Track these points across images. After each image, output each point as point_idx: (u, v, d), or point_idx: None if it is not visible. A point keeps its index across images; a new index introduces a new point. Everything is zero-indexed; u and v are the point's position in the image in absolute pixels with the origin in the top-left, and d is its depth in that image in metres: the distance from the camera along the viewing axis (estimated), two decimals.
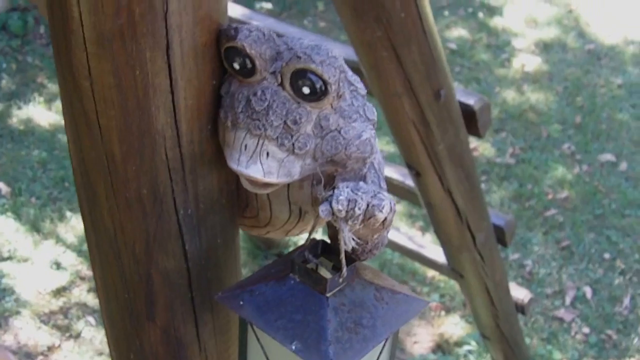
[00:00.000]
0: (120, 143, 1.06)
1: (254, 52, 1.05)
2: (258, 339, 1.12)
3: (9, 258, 4.09)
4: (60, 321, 3.78)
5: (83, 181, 1.15)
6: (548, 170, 4.89)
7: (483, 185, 4.71)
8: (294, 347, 1.01)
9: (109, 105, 1.03)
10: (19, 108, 5.23)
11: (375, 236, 1.12)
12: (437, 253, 3.17)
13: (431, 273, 4.13)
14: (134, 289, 1.19)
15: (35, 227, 4.28)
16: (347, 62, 2.33)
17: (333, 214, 0.99)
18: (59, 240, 4.20)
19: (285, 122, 1.05)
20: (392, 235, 3.45)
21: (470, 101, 2.33)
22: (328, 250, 1.14)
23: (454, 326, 3.91)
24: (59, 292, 3.92)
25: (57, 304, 3.86)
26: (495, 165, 4.92)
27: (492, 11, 6.66)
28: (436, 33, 2.04)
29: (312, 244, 1.14)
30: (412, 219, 4.49)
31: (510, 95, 5.60)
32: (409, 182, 2.77)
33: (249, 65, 1.06)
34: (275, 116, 1.05)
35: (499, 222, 2.81)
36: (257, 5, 6.43)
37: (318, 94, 1.04)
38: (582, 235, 4.42)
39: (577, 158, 5.01)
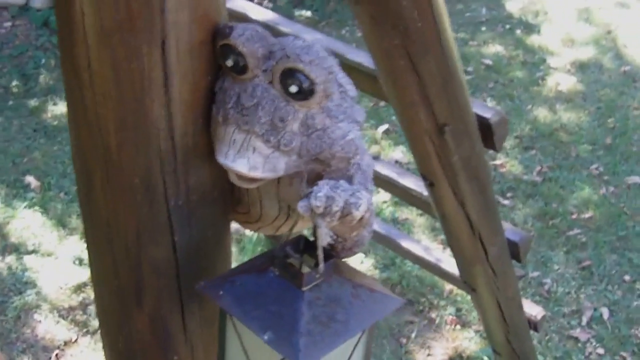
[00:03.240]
0: (116, 133, 1.11)
1: (246, 50, 1.09)
2: (235, 328, 1.16)
3: (34, 252, 4.15)
4: (79, 316, 3.82)
5: (81, 169, 1.20)
6: (574, 190, 4.86)
7: (508, 202, 4.70)
8: (266, 338, 1.05)
9: (106, 96, 1.08)
10: (55, 104, 5.32)
11: (354, 234, 1.15)
12: (454, 266, 3.14)
13: (449, 287, 4.11)
14: (125, 276, 1.23)
15: (61, 222, 4.34)
16: (368, 70, 2.36)
17: (311, 210, 1.03)
18: (83, 236, 4.23)
19: (272, 120, 1.09)
20: (412, 246, 3.44)
21: (487, 114, 2.32)
22: (311, 247, 1.18)
23: (468, 341, 3.90)
24: (79, 287, 3.96)
25: (77, 299, 3.91)
26: (521, 183, 4.89)
27: (530, 29, 6.63)
28: (454, 45, 2.04)
29: (294, 240, 1.17)
30: (434, 232, 4.49)
31: (542, 113, 5.57)
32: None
33: (242, 62, 1.10)
34: (263, 113, 1.09)
35: (514, 237, 2.77)
36: (297, 13, 6.47)
37: (305, 93, 1.08)
38: (604, 256, 4.39)
39: (604, 179, 4.97)
